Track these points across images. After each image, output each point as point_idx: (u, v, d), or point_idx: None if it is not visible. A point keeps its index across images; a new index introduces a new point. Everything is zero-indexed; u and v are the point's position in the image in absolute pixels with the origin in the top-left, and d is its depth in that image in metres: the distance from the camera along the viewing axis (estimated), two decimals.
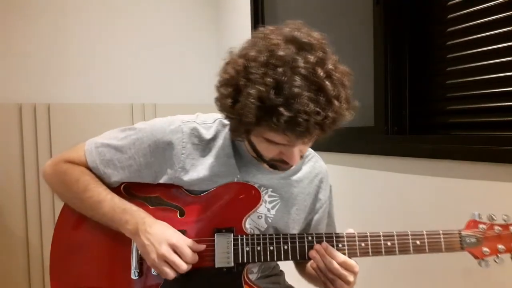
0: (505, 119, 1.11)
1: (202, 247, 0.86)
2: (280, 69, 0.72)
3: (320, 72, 0.73)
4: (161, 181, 0.92)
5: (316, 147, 1.09)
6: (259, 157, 0.87)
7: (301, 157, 0.87)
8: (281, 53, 0.73)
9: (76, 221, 0.96)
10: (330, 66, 0.75)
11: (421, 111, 1.38)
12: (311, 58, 0.73)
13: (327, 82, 0.73)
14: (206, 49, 2.65)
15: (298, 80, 0.71)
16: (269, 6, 2.21)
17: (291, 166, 0.87)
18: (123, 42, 2.44)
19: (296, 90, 0.70)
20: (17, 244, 2.13)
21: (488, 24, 1.14)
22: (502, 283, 1.04)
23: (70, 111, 2.25)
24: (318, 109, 0.71)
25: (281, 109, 0.70)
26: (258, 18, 2.23)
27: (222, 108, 0.81)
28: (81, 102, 2.31)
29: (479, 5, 1.15)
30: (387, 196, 1.40)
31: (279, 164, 0.87)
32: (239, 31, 2.45)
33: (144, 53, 2.49)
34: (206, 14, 2.69)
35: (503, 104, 1.11)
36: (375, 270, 1.45)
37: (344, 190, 1.59)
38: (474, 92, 1.19)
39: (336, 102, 0.74)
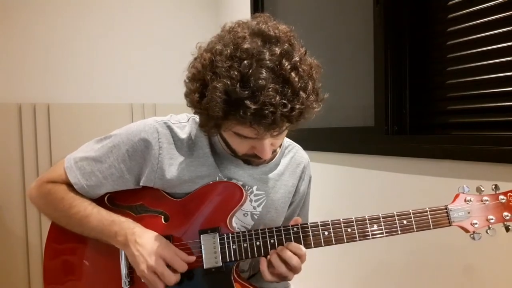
0: (505, 119, 1.11)
1: (192, 258, 0.86)
2: (245, 62, 0.71)
3: (286, 65, 0.72)
4: (143, 183, 0.91)
5: (316, 147, 1.09)
6: (233, 152, 0.88)
7: (274, 150, 0.87)
8: (246, 46, 0.72)
9: (64, 238, 0.95)
10: (296, 59, 0.74)
11: (421, 111, 1.38)
12: (277, 51, 0.73)
13: (293, 74, 0.72)
14: None
15: (263, 73, 0.70)
16: (269, 7, 2.21)
17: (264, 160, 0.87)
18: (123, 42, 2.44)
19: (261, 82, 0.69)
20: (17, 244, 2.13)
21: (488, 24, 1.14)
22: (503, 281, 1.04)
23: (70, 111, 2.25)
24: (284, 101, 0.71)
25: (247, 102, 0.69)
26: None
27: (190, 103, 0.81)
28: (81, 102, 2.31)
29: (479, 5, 1.16)
30: (387, 196, 1.40)
31: (253, 159, 0.88)
32: None
33: (144, 53, 2.49)
34: (206, 14, 2.69)
35: (503, 104, 1.11)
36: (377, 270, 1.45)
37: (344, 190, 1.59)
38: (474, 92, 1.19)
39: (302, 94, 0.73)
